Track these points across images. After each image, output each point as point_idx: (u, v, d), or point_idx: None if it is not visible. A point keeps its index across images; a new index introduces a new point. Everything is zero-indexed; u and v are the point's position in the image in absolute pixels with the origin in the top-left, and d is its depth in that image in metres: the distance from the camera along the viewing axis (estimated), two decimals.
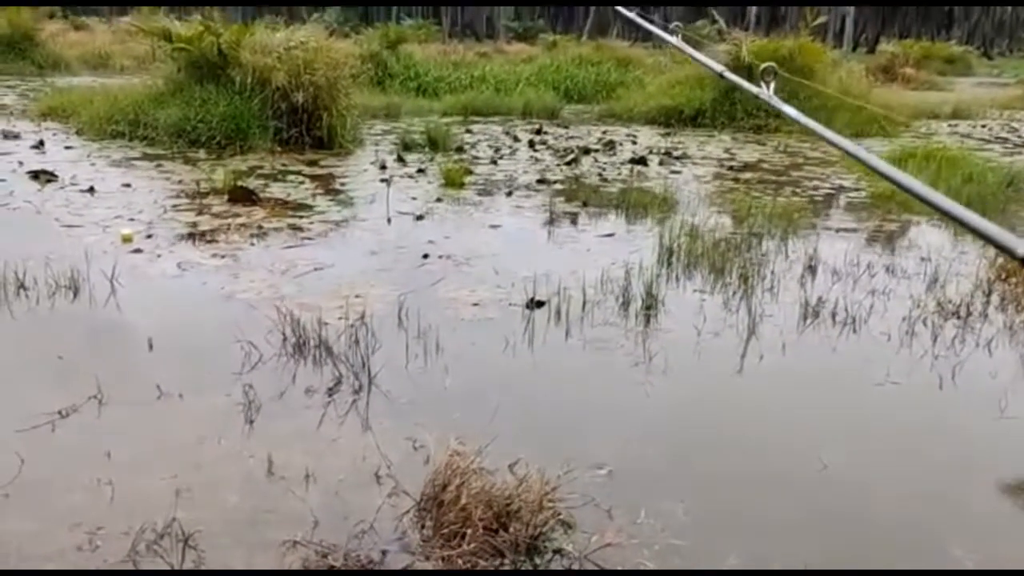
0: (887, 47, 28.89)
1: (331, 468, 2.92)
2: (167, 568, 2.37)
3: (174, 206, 6.92)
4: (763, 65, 1.76)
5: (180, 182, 7.94)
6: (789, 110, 1.70)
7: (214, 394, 3.44)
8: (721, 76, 2.14)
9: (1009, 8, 59.45)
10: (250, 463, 2.93)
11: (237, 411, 3.29)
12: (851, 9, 50.12)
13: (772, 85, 1.75)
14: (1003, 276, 5.32)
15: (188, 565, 2.39)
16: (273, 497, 2.74)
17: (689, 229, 6.15)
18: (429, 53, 21.72)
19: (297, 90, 10.01)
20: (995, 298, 4.97)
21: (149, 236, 5.90)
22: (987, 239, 0.95)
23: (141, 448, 3.03)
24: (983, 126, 15.20)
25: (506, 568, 2.45)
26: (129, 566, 2.37)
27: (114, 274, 4.76)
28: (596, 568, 2.47)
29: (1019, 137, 13.79)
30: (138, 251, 5.53)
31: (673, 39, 2.23)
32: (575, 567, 2.47)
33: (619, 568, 2.47)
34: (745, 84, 1.83)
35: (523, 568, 2.46)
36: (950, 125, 15.21)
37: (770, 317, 4.60)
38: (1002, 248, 0.93)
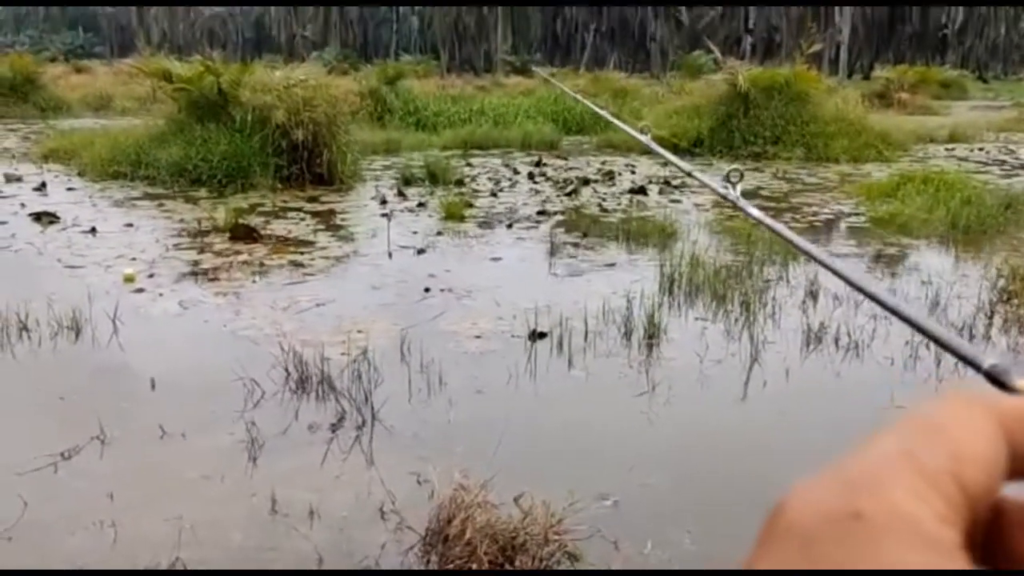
0: (882, 73, 29.11)
1: (335, 504, 2.91)
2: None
3: (176, 245, 6.95)
4: (729, 168, 1.82)
5: (182, 221, 7.98)
6: (753, 211, 1.76)
7: (217, 432, 3.43)
8: (689, 175, 2.16)
9: (1003, 31, 60.00)
10: (253, 501, 2.92)
11: (240, 449, 3.28)
12: (845, 36, 50.60)
13: (739, 187, 1.82)
14: (1005, 298, 5.32)
15: None
16: (277, 535, 2.72)
17: (690, 257, 6.16)
18: (428, 88, 21.94)
19: (297, 127, 10.09)
20: (998, 320, 4.96)
21: (151, 275, 5.92)
22: (949, 350, 0.95)
23: (144, 488, 3.02)
24: (980, 149, 15.27)
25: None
26: None
27: (116, 314, 4.77)
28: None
29: (1016, 160, 13.84)
30: (140, 290, 5.55)
31: (643, 137, 2.22)
32: None
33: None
34: (713, 184, 1.89)
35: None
36: (947, 149, 15.28)
37: (772, 343, 4.59)
38: (965, 360, 0.94)
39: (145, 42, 69.25)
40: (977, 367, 1.02)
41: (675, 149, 14.27)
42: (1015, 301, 5.23)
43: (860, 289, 1.33)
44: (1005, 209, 8.03)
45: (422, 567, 2.57)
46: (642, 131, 1.93)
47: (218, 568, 2.46)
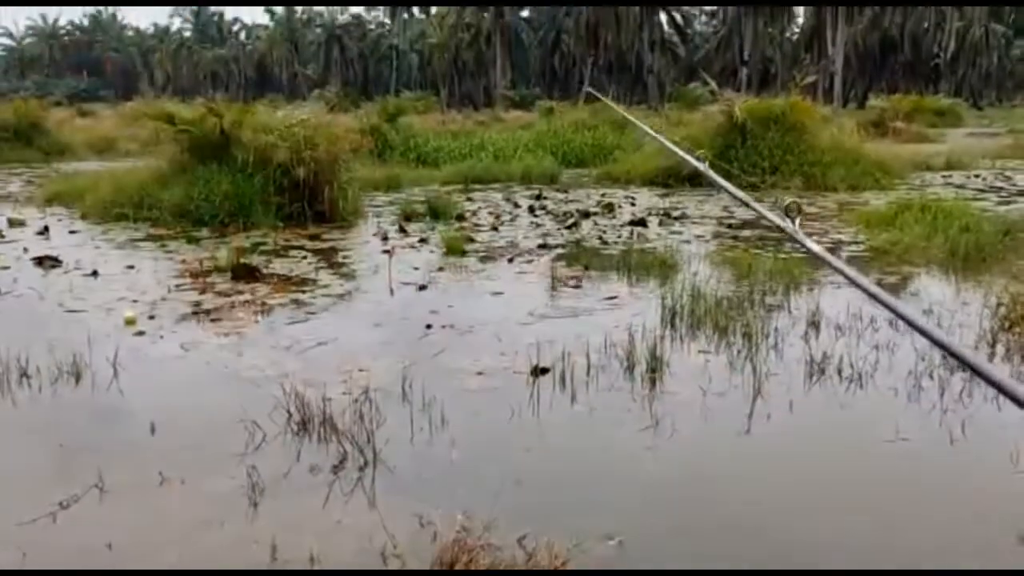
0: (877, 102, 29.37)
1: (337, 550, 2.88)
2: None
3: (177, 286, 6.96)
4: (787, 200, 1.84)
5: (184, 262, 8.01)
6: (814, 246, 1.79)
7: (217, 477, 3.41)
8: (746, 205, 2.16)
9: (995, 60, 60.52)
10: (254, 548, 2.89)
11: (240, 494, 3.26)
12: (839, 66, 51.07)
13: (798, 220, 1.84)
14: (1007, 326, 5.30)
15: None
16: None
17: (691, 289, 6.16)
18: (428, 124, 22.16)
19: (298, 166, 10.16)
20: (1000, 348, 4.94)
21: (152, 317, 5.92)
22: (996, 386, 0.96)
23: (142, 537, 2.99)
24: (976, 176, 15.33)
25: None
26: None
27: (116, 358, 4.76)
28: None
29: (1013, 186, 13.89)
30: (141, 333, 5.55)
31: (701, 165, 2.15)
32: None
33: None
34: (772, 216, 1.90)
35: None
36: (944, 176, 15.35)
37: (775, 375, 4.57)
38: (1011, 397, 0.95)
39: (149, 85, 70.12)
40: (1020, 403, 1.02)
41: (676, 178, 14.34)
42: (1016, 329, 5.21)
43: (912, 324, 1.33)
44: (1003, 236, 8.04)
45: None
46: (699, 159, 1.93)
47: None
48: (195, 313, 6.10)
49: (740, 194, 2.17)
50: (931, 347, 4.94)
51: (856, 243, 8.70)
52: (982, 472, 3.54)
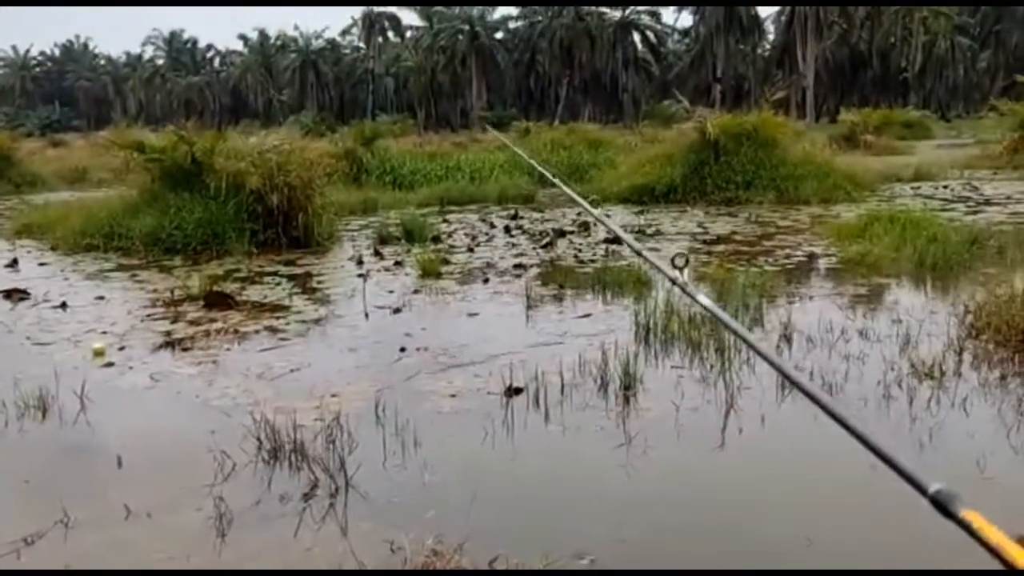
0: (847, 116, 29.73)
1: None
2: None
3: (148, 316, 6.90)
4: (675, 253, 1.90)
5: (155, 291, 7.95)
6: (703, 300, 1.84)
7: (184, 509, 3.37)
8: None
9: (962, 72, 61.58)
10: None
11: (208, 526, 3.21)
12: (810, 81, 51.78)
13: (686, 272, 1.90)
14: (974, 334, 5.36)
15: None
16: None
17: (664, 306, 6.18)
18: (404, 146, 22.18)
19: (272, 192, 10.14)
20: (967, 356, 4.99)
21: (122, 348, 5.86)
22: (897, 471, 0.96)
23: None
24: (945, 187, 15.55)
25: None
26: None
27: (84, 391, 4.70)
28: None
29: (980, 196, 14.10)
30: (110, 364, 5.48)
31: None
32: None
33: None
34: (663, 267, 1.96)
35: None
36: (913, 188, 15.56)
37: (748, 389, 4.59)
38: (911, 482, 0.95)
39: (121, 114, 69.80)
40: (923, 491, 0.97)
41: (651, 195, 14.43)
42: (983, 337, 5.27)
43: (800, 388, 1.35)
44: (970, 245, 8.15)
45: None
46: (674, 265, 1.94)
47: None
48: (166, 343, 6.05)
49: (630, 241, 2.24)
50: (900, 356, 5.00)
51: (829, 255, 8.78)
52: (950, 478, 3.55)
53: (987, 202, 13.13)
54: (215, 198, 10.24)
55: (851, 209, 11.97)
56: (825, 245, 9.33)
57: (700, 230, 11.16)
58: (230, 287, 7.90)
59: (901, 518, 3.27)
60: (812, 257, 8.81)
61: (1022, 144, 19.40)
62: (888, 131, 28.56)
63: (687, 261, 1.86)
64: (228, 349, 5.87)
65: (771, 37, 65.38)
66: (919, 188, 15.43)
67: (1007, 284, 5.84)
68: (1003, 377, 4.69)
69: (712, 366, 5.02)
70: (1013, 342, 5.05)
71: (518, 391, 4.65)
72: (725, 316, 1.70)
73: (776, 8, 61.53)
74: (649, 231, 11.03)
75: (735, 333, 1.49)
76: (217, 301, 7.16)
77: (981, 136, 26.08)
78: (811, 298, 6.88)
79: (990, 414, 4.16)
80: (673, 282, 1.91)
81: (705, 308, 1.75)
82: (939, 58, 59.93)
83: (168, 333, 6.30)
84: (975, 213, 11.66)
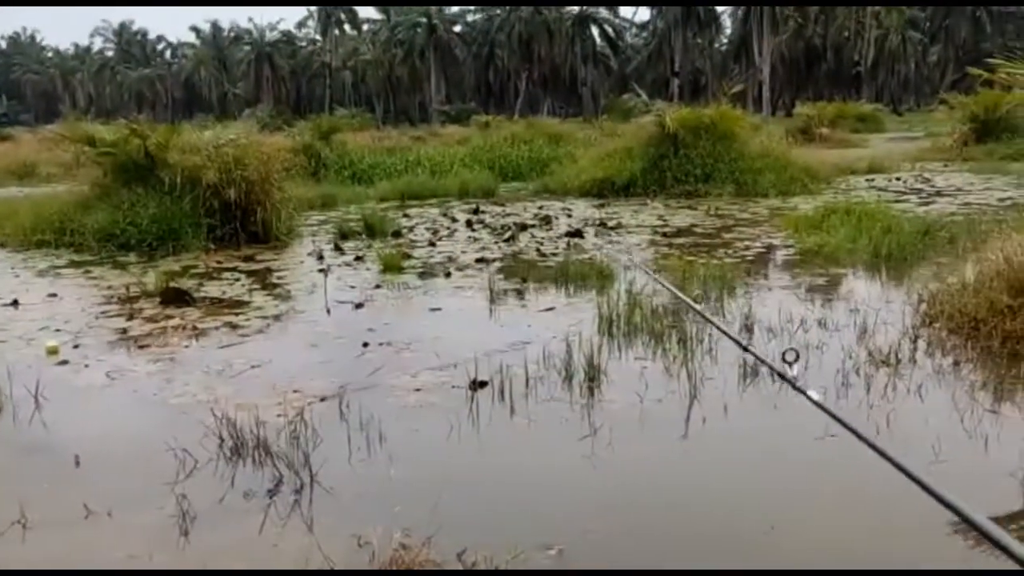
0: (803, 109, 30.16)
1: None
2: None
3: (103, 313, 6.76)
4: (786, 350, 1.90)
5: (109, 288, 7.79)
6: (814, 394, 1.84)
7: (146, 508, 3.31)
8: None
9: (913, 66, 62.89)
10: None
11: (171, 524, 3.16)
12: (766, 75, 52.42)
13: (796, 366, 1.89)
14: (928, 322, 5.49)
15: None
16: None
17: (627, 298, 6.22)
18: (363, 141, 22.01)
19: (229, 187, 9.99)
20: (922, 344, 5.11)
21: (76, 346, 5.73)
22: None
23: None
24: (898, 179, 15.87)
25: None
26: None
27: (38, 389, 4.59)
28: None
29: (932, 187, 14.42)
30: (64, 362, 5.36)
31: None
32: None
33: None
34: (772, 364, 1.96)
35: None
36: (867, 180, 15.85)
37: (711, 380, 4.64)
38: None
39: (71, 107, 68.24)
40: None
41: (612, 188, 14.51)
42: (936, 325, 5.40)
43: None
44: (923, 236, 8.33)
45: None
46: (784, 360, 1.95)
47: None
48: (122, 340, 5.93)
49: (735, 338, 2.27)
50: (857, 345, 5.10)
51: (787, 247, 8.91)
52: (906, 462, 3.62)
53: (938, 193, 13.43)
54: (170, 193, 10.05)
55: (808, 201, 12.16)
56: (783, 237, 9.46)
57: (660, 223, 11.25)
58: (187, 283, 7.77)
59: (863, 502, 3.34)
60: (771, 249, 8.93)
61: (971, 137, 19.88)
62: (842, 124, 29.06)
63: (797, 356, 1.88)
64: (186, 346, 5.78)
65: (728, 31, 66.15)
66: (873, 180, 15.73)
67: (959, 273, 5.98)
68: (956, 363, 4.80)
69: (675, 357, 5.06)
70: (965, 329, 5.17)
71: (483, 384, 4.64)
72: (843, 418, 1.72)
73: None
74: (610, 224, 11.09)
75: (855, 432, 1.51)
76: (174, 298, 7.04)
77: (932, 129, 26.70)
78: (770, 289, 6.98)
79: (944, 399, 4.26)
80: (783, 377, 1.91)
81: (818, 405, 1.77)
82: (891, 52, 61.15)
83: (124, 331, 6.18)
84: (927, 204, 11.92)
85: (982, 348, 4.95)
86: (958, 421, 3.95)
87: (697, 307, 2.55)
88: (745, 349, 2.16)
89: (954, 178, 15.61)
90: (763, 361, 2.02)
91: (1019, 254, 5.14)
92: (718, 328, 2.46)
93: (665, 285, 2.84)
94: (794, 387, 1.84)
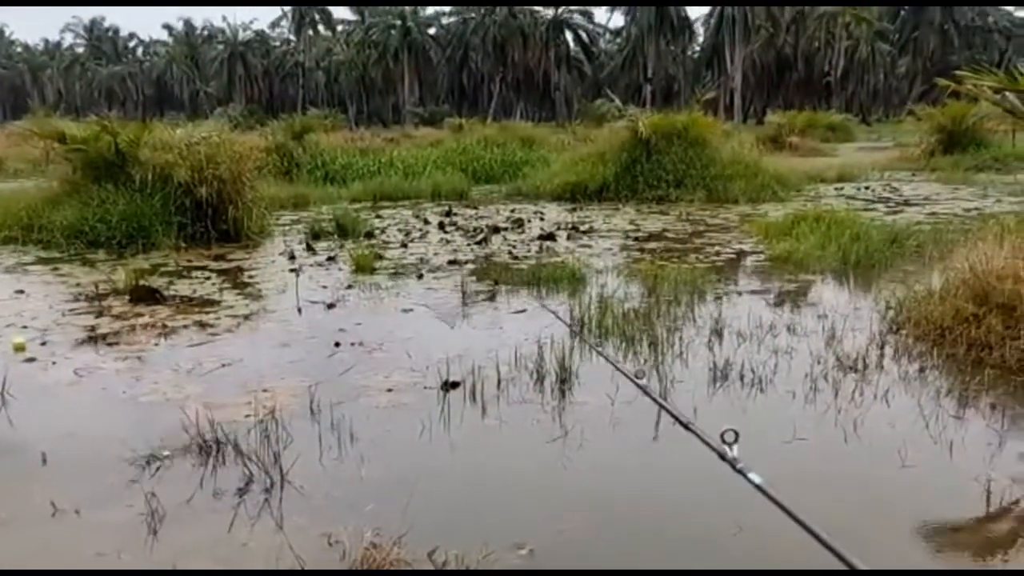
0: (774, 117, 30.51)
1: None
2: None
3: (71, 310, 6.67)
4: (724, 430, 1.92)
5: (78, 285, 7.69)
6: (754, 478, 1.85)
7: (114, 506, 3.27)
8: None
9: (882, 77, 63.87)
10: None
11: (139, 522, 3.13)
12: (738, 83, 52.92)
13: (735, 447, 1.91)
14: (895, 329, 5.59)
15: None
16: None
17: (599, 301, 6.26)
18: (336, 141, 21.88)
19: (200, 185, 9.91)
20: (888, 350, 5.19)
21: (44, 343, 5.66)
22: None
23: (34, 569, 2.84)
24: (866, 187, 16.11)
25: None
26: None
27: (4, 386, 4.53)
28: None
29: (900, 196, 14.65)
30: (31, 359, 5.29)
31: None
32: None
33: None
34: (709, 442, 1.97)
35: None
36: (836, 188, 16.07)
37: (681, 382, 4.68)
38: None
39: (40, 103, 67.17)
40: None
41: (584, 193, 14.58)
42: (903, 331, 5.49)
43: None
44: (891, 244, 8.47)
45: None
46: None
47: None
48: (90, 338, 5.86)
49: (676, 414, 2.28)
50: (826, 350, 5.17)
51: (757, 253, 9.01)
52: (873, 467, 3.70)
53: (906, 202, 13.65)
54: (141, 190, 9.95)
55: (778, 208, 12.30)
56: (754, 243, 9.57)
57: (632, 227, 11.32)
58: (157, 281, 7.69)
59: (823, 499, 3.39)
60: (741, 254, 9.03)
61: (938, 148, 20.23)
62: (812, 133, 29.43)
63: (736, 436, 1.89)
64: (156, 344, 5.72)
65: (701, 39, 66.72)
66: (842, 188, 15.95)
67: (925, 281, 6.09)
68: (922, 369, 4.89)
69: (645, 360, 5.10)
70: (931, 336, 5.27)
71: (455, 385, 4.65)
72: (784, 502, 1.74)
73: (706, 10, 62.80)
74: (582, 228, 11.14)
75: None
76: (144, 296, 6.96)
77: (900, 139, 27.12)
78: (740, 294, 7.06)
79: (910, 404, 4.34)
80: (722, 458, 1.92)
81: (759, 489, 1.77)
82: (861, 62, 62.06)
83: (92, 328, 6.10)
84: (895, 213, 12.11)
85: (947, 355, 5.05)
86: (924, 427, 4.03)
87: (639, 383, 2.57)
88: (686, 427, 2.18)
89: (921, 188, 15.88)
90: (704, 440, 2.04)
91: (984, 264, 5.25)
92: (660, 405, 2.49)
93: (607, 358, 2.82)
94: (734, 468, 1.85)
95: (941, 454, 3.75)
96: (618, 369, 2.91)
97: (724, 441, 1.94)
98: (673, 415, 2.38)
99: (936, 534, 3.15)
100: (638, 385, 2.56)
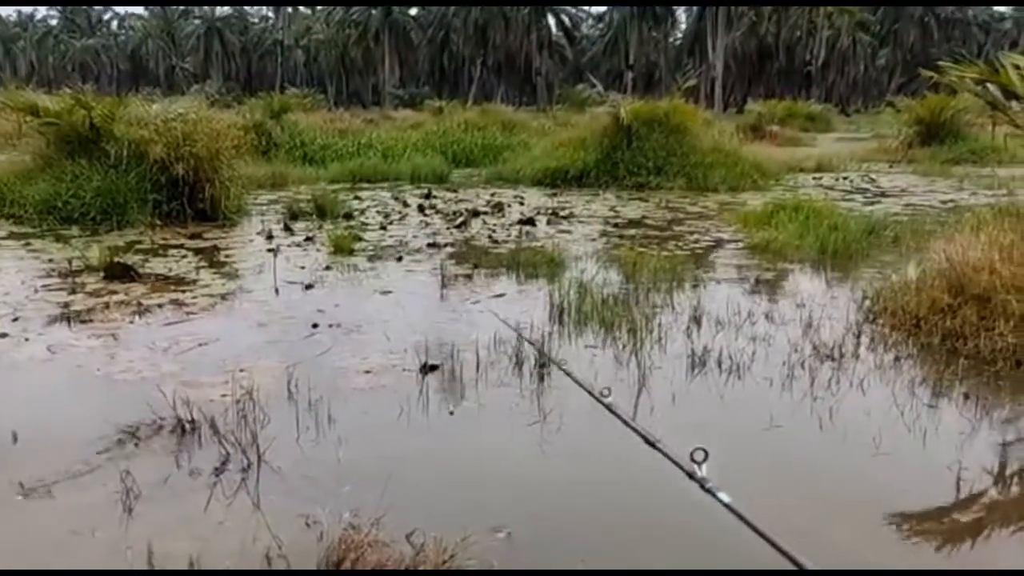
0: (754, 107, 30.65)
1: (218, 553, 2.78)
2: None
3: (44, 286, 6.57)
4: (694, 449, 1.91)
5: (51, 261, 7.57)
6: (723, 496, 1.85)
7: (88, 485, 3.23)
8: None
9: (862, 68, 64.25)
10: (128, 555, 2.76)
11: (114, 501, 3.10)
12: (719, 72, 53.01)
13: (704, 466, 1.89)
14: (871, 318, 5.64)
15: None
16: None
17: (578, 286, 6.26)
18: (314, 121, 21.65)
19: (177, 162, 9.77)
20: (864, 339, 5.24)
21: (16, 319, 5.57)
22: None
23: (5, 549, 2.81)
24: (845, 178, 16.22)
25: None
26: None
27: None
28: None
29: (877, 187, 14.77)
30: (4, 336, 5.20)
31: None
32: None
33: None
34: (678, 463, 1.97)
35: None
36: (815, 178, 16.16)
37: (659, 369, 4.70)
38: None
39: (11, 75, 65.87)
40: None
41: (564, 178, 14.56)
42: (880, 321, 5.55)
43: None
44: (868, 234, 8.54)
45: None
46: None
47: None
48: (64, 315, 5.78)
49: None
50: (803, 339, 5.21)
51: (736, 241, 9.05)
52: (848, 454, 3.74)
53: (883, 194, 13.76)
54: (115, 166, 9.80)
55: (757, 197, 12.35)
56: (733, 231, 9.61)
57: (612, 214, 11.33)
58: (132, 259, 7.59)
59: (799, 486, 3.43)
60: (720, 243, 9.06)
61: (916, 140, 20.39)
62: (792, 123, 29.58)
63: (706, 455, 1.88)
64: (131, 322, 5.65)
65: (683, 26, 66.73)
66: (820, 179, 16.04)
67: (902, 272, 6.15)
68: (897, 359, 4.94)
69: (624, 346, 5.12)
70: (907, 326, 5.33)
71: (433, 368, 4.64)
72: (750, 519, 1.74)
73: None
74: (562, 213, 11.13)
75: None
76: (118, 273, 6.87)
77: (878, 131, 27.32)
78: (719, 282, 7.08)
79: (885, 394, 4.38)
80: (691, 476, 1.91)
81: (728, 508, 1.77)
82: (841, 53, 62.38)
83: (66, 304, 6.02)
84: (872, 204, 12.21)
85: (923, 345, 5.11)
86: (898, 415, 4.07)
87: (604, 401, 2.60)
88: (653, 445, 2.20)
89: (899, 179, 16.01)
90: (672, 460, 2.04)
91: (961, 255, 5.30)
92: (628, 424, 2.52)
93: (574, 378, 2.78)
94: (703, 488, 1.86)
95: (915, 443, 3.79)
96: (585, 389, 2.89)
97: (693, 460, 1.94)
98: (640, 434, 2.39)
99: (907, 521, 3.20)
100: (604, 405, 2.57)
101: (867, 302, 5.93)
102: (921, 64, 29.92)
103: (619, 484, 3.47)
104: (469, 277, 7.17)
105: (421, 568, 2.60)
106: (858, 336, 5.27)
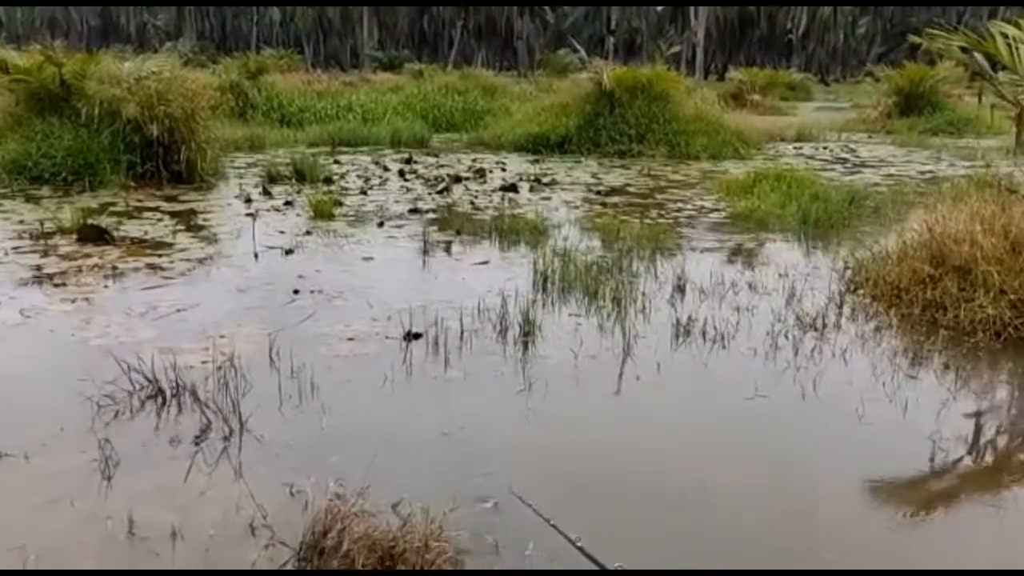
0: (735, 75, 30.48)
1: (200, 523, 2.74)
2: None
3: (15, 248, 6.43)
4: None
5: (21, 222, 7.41)
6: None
7: (65, 452, 3.17)
8: None
9: (842, 38, 64.12)
10: (108, 525, 2.71)
11: (92, 469, 3.04)
12: (700, 39, 52.67)
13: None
14: (852, 288, 5.66)
15: None
16: (135, 561, 2.54)
17: (562, 254, 6.22)
18: (292, 83, 21.27)
19: (151, 122, 9.56)
20: (847, 309, 5.26)
21: None
22: None
23: None
24: (825, 148, 16.23)
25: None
26: None
27: None
28: (598, 568, 2.41)
29: (857, 157, 14.80)
30: None
31: None
32: None
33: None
34: None
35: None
36: (795, 147, 16.16)
37: (643, 338, 4.69)
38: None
39: None
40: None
41: (546, 144, 14.44)
42: (861, 292, 5.57)
43: None
44: (848, 204, 8.56)
45: None
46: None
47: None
48: (36, 278, 5.66)
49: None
50: (786, 309, 5.21)
51: (718, 210, 9.03)
52: (830, 424, 3.76)
53: (863, 164, 13.79)
54: (87, 125, 9.57)
55: (739, 166, 12.33)
56: (715, 200, 9.59)
57: (594, 181, 11.26)
58: (106, 221, 7.44)
59: (781, 454, 3.44)
60: (703, 211, 9.04)
61: (895, 110, 20.42)
62: (772, 91, 29.47)
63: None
64: (106, 287, 5.54)
65: None
66: (801, 148, 16.04)
67: (883, 242, 6.16)
68: (878, 329, 4.96)
69: (609, 314, 5.10)
70: (888, 297, 5.35)
71: (417, 336, 4.60)
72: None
73: None
74: (545, 180, 11.05)
75: None
76: (92, 235, 6.74)
77: (858, 100, 27.31)
78: (702, 251, 7.07)
79: (866, 363, 4.40)
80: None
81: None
82: (822, 22, 62.15)
83: (38, 267, 5.89)
84: (853, 174, 12.23)
85: (903, 315, 5.13)
86: (880, 385, 4.09)
87: (570, 537, 2.63)
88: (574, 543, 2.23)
89: (878, 149, 16.05)
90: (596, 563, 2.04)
91: (942, 226, 5.32)
92: (573, 544, 2.53)
93: (536, 511, 2.73)
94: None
95: (896, 412, 3.81)
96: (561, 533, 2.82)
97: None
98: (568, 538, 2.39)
99: (886, 489, 3.23)
100: (569, 540, 2.61)
101: (848, 272, 5.94)
102: (901, 34, 29.89)
103: (603, 454, 3.46)
104: (452, 244, 7.11)
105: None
106: (840, 306, 5.28)
